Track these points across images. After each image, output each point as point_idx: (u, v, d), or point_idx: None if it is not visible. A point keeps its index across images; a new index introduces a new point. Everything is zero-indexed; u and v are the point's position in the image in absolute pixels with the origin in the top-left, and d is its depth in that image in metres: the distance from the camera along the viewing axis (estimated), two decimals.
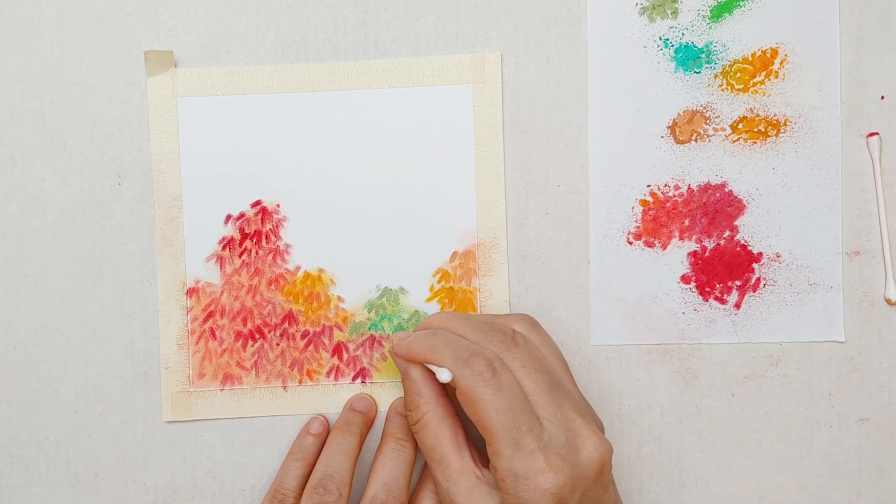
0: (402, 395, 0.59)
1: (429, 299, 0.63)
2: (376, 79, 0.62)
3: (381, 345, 0.63)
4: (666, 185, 0.62)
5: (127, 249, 0.63)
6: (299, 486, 0.60)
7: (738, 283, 0.62)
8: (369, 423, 0.63)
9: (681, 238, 0.62)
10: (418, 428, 0.57)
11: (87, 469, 0.64)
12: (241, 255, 0.63)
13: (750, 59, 0.62)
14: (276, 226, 0.62)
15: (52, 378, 0.63)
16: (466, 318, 0.59)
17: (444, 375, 0.55)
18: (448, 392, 0.58)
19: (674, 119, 0.62)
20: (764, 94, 0.62)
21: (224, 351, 0.63)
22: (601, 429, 0.57)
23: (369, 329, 0.63)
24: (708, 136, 0.62)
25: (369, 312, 0.63)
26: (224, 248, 0.63)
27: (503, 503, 0.54)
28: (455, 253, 0.63)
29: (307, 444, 0.62)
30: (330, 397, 0.63)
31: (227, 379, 0.63)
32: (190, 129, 0.62)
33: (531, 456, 0.53)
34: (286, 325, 0.63)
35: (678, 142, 0.62)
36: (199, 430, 0.63)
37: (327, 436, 0.62)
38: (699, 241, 0.62)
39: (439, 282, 0.63)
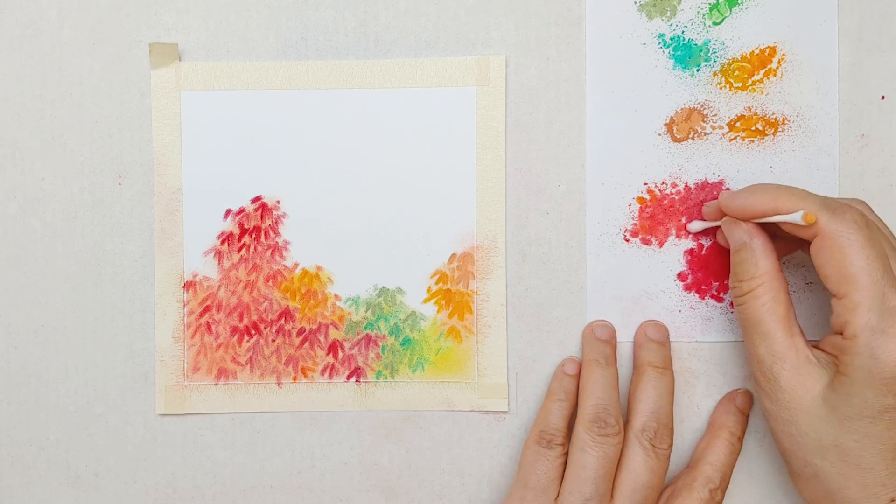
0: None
1: (426, 300, 0.63)
2: (380, 78, 0.62)
3: (376, 344, 0.63)
4: (663, 183, 0.62)
5: (127, 250, 0.63)
6: (565, 424, 0.60)
7: None
8: (616, 351, 0.62)
9: (677, 236, 0.62)
10: (747, 299, 0.55)
11: (87, 469, 0.64)
12: (239, 251, 0.63)
13: (748, 57, 0.62)
14: (276, 222, 0.63)
15: (52, 378, 0.63)
16: (799, 190, 0.55)
17: (797, 216, 0.52)
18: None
19: (671, 117, 0.62)
20: (762, 92, 0.62)
21: (219, 345, 0.63)
22: None
23: (365, 328, 0.63)
24: (706, 134, 0.62)
25: (366, 312, 0.63)
26: (223, 242, 0.63)
27: (847, 369, 0.52)
28: (454, 255, 0.63)
29: (566, 384, 0.61)
30: (324, 395, 0.63)
31: (222, 374, 0.63)
32: (192, 123, 0.62)
33: (894, 311, 0.51)
34: (282, 321, 0.63)
35: (675, 140, 0.62)
36: (199, 430, 0.63)
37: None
38: (696, 238, 0.62)
39: (437, 283, 0.63)
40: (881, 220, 0.56)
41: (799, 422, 0.54)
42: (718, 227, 0.60)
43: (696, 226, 0.62)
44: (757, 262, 0.55)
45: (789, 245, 0.59)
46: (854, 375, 0.51)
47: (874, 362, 0.50)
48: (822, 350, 0.54)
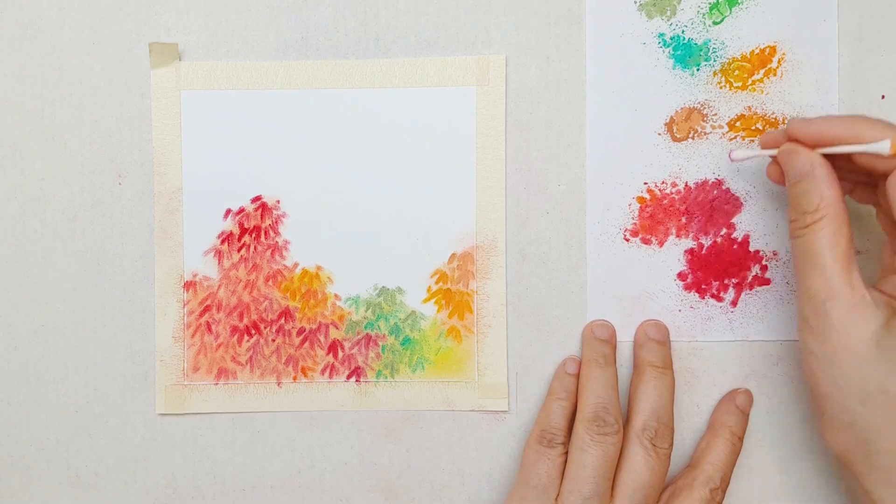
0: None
1: (426, 300, 0.63)
2: (380, 78, 0.62)
3: (376, 344, 0.63)
4: (663, 183, 0.62)
5: (127, 250, 0.63)
6: (566, 423, 0.60)
7: (734, 280, 0.62)
8: (616, 350, 0.62)
9: (677, 236, 0.62)
10: (808, 231, 0.53)
11: (87, 469, 0.64)
12: (239, 250, 0.63)
13: (748, 57, 0.62)
14: (276, 222, 0.63)
15: (52, 378, 0.63)
16: (880, 120, 0.52)
17: (884, 146, 0.50)
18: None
19: (671, 116, 0.62)
20: (762, 92, 0.62)
21: (219, 345, 0.63)
22: None
23: (365, 328, 0.63)
24: (706, 133, 0.62)
25: (366, 311, 0.63)
26: (223, 242, 0.63)
27: None
28: (454, 255, 0.63)
29: (567, 383, 0.61)
30: (324, 395, 0.63)
31: (222, 373, 0.63)
32: (192, 123, 0.63)
33: None
34: (282, 321, 0.63)
35: (675, 139, 0.62)
36: (198, 430, 0.63)
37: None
38: (696, 238, 0.62)
39: (437, 283, 0.63)
40: None
41: (845, 363, 0.51)
42: (770, 163, 0.57)
43: (741, 153, 0.58)
44: (822, 193, 0.52)
45: (844, 187, 0.55)
46: None
47: None
48: (880, 291, 0.53)
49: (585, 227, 0.62)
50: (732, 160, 0.59)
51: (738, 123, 0.62)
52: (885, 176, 0.52)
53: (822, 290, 0.52)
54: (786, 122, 0.61)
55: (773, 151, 0.56)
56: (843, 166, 0.54)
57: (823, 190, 0.53)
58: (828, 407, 0.53)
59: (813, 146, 0.54)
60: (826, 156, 0.53)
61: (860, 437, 0.52)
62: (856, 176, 0.55)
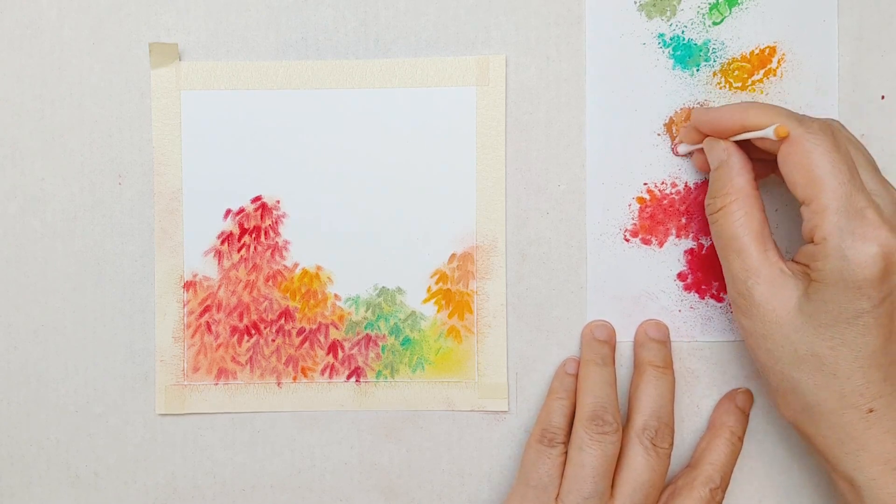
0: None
1: (426, 300, 0.63)
2: (380, 78, 0.62)
3: (376, 344, 0.63)
4: (663, 183, 0.62)
5: (127, 249, 0.63)
6: (567, 423, 0.61)
7: None
8: (615, 351, 0.62)
9: (677, 236, 0.62)
10: (721, 216, 0.56)
11: (87, 469, 0.64)
12: (239, 251, 0.63)
13: (748, 57, 0.62)
14: (276, 222, 0.63)
15: (52, 378, 0.63)
16: (768, 106, 0.56)
17: (769, 131, 0.53)
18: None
19: (671, 117, 0.62)
20: (762, 92, 0.62)
21: (219, 345, 0.63)
22: None
23: (365, 328, 0.63)
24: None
25: (366, 311, 0.63)
26: (223, 242, 0.63)
27: (819, 275, 0.52)
28: (453, 255, 0.63)
29: (567, 383, 0.62)
30: (324, 395, 0.63)
31: (222, 373, 0.63)
32: (192, 123, 0.62)
33: (863, 212, 0.51)
34: (282, 321, 0.63)
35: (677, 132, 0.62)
36: (198, 430, 0.63)
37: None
38: (696, 238, 0.62)
39: (437, 283, 0.63)
40: (853, 136, 0.56)
41: (775, 335, 0.54)
42: (701, 154, 0.60)
43: (684, 148, 0.61)
44: (732, 179, 0.55)
45: (764, 168, 0.58)
46: (827, 280, 0.51)
47: (845, 264, 0.51)
48: (796, 262, 0.54)
49: (585, 227, 0.62)
50: (678, 155, 0.62)
51: None
52: None
53: (742, 271, 0.55)
54: None
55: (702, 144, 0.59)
56: (757, 149, 0.56)
57: (734, 176, 0.56)
58: (771, 378, 0.56)
59: (711, 134, 0.58)
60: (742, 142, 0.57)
61: (804, 402, 0.54)
62: (766, 155, 0.57)
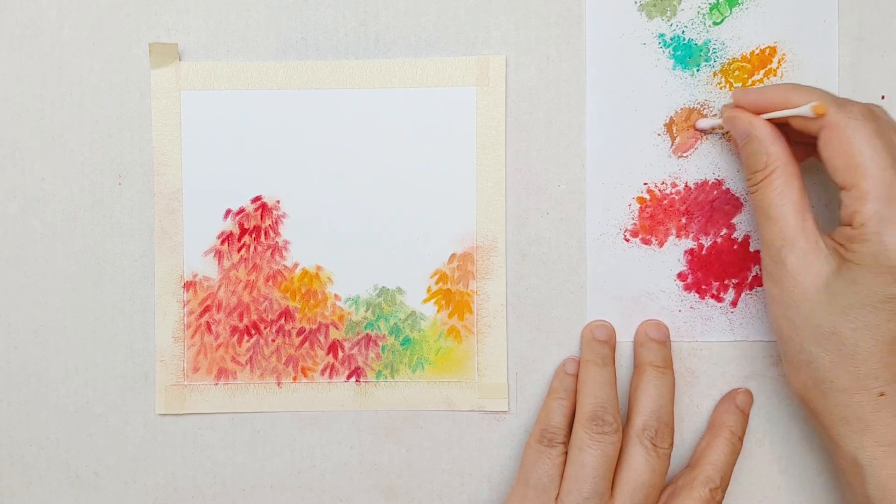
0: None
1: (426, 300, 0.63)
2: (380, 78, 0.62)
3: (376, 344, 0.63)
4: (663, 183, 0.62)
5: (127, 249, 0.63)
6: (567, 423, 0.61)
7: (734, 281, 0.62)
8: (615, 351, 0.62)
9: (677, 236, 0.62)
10: (762, 186, 0.55)
11: (87, 469, 0.64)
12: (239, 251, 0.63)
13: (748, 57, 0.62)
14: (276, 222, 0.63)
15: (52, 378, 0.63)
16: (811, 88, 0.56)
17: (806, 109, 0.53)
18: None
19: (671, 117, 0.62)
20: None
21: (219, 345, 0.63)
22: None
23: (365, 328, 0.63)
24: (706, 134, 0.62)
25: (366, 311, 0.63)
26: (223, 242, 0.63)
27: (855, 256, 0.52)
28: (453, 255, 0.63)
29: (567, 383, 0.62)
30: (324, 395, 0.63)
31: (222, 374, 0.63)
32: (192, 123, 0.62)
33: None
34: (282, 321, 0.63)
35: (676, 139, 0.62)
36: (198, 430, 0.63)
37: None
38: (696, 238, 0.62)
39: (437, 283, 0.63)
40: (893, 120, 0.55)
41: (801, 307, 0.54)
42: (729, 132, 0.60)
43: (705, 123, 0.61)
44: (767, 150, 0.55)
45: (800, 152, 0.58)
46: (861, 262, 0.52)
47: (882, 249, 0.51)
48: (832, 239, 0.54)
49: (585, 227, 0.62)
50: (698, 129, 0.62)
51: None
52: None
53: (778, 239, 0.55)
54: None
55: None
56: (798, 133, 0.56)
57: (768, 146, 0.56)
58: (788, 349, 0.56)
59: (755, 113, 0.57)
60: (775, 123, 0.56)
61: (817, 377, 0.54)
62: (806, 138, 0.56)
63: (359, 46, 0.62)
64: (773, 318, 0.57)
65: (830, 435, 0.55)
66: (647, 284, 0.62)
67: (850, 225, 0.53)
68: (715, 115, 0.62)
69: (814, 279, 0.53)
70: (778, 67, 0.62)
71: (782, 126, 0.56)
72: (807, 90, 0.55)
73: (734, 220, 0.62)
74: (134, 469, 0.64)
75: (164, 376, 0.63)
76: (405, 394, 0.63)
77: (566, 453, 0.59)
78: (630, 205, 0.62)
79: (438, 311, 0.63)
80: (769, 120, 0.56)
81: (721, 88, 0.62)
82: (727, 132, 0.61)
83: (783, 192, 0.55)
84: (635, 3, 0.62)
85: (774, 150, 0.55)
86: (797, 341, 0.55)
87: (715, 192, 0.62)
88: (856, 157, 0.52)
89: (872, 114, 0.53)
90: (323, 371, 0.63)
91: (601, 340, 0.61)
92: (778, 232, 0.54)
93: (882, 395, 0.53)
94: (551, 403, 0.61)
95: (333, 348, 0.63)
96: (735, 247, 0.62)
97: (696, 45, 0.62)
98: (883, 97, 0.62)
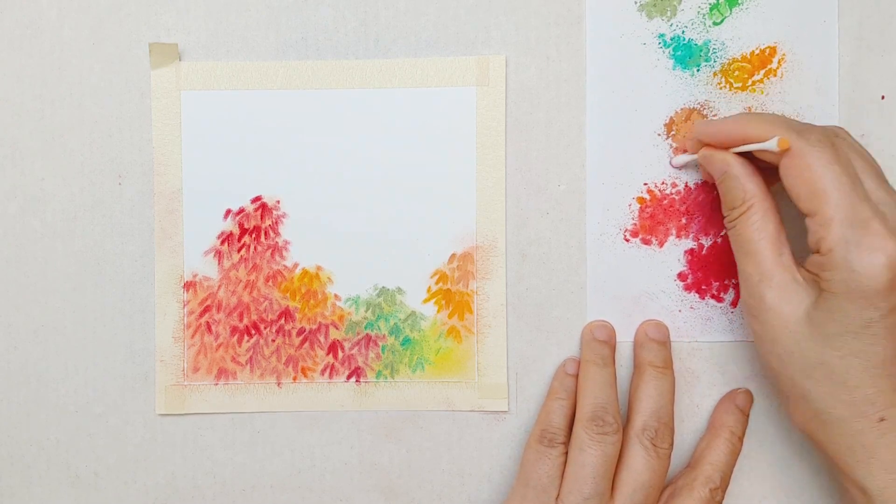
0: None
1: (426, 300, 0.63)
2: (380, 78, 0.62)
3: (376, 344, 0.63)
4: (663, 183, 0.62)
5: (127, 249, 0.63)
6: (567, 423, 0.61)
7: (734, 281, 0.62)
8: (615, 351, 0.62)
9: (678, 236, 0.62)
10: (739, 222, 0.56)
11: (87, 469, 0.64)
12: (239, 251, 0.63)
13: (748, 57, 0.62)
14: (276, 222, 0.63)
15: (52, 378, 0.63)
16: (769, 116, 0.56)
17: (772, 143, 0.52)
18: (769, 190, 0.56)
19: (671, 117, 0.62)
20: (762, 92, 0.62)
21: (219, 345, 0.63)
22: None
23: (365, 328, 0.63)
24: None
25: (366, 311, 0.63)
26: (223, 242, 0.63)
27: (828, 285, 0.52)
28: (454, 255, 0.63)
29: (568, 383, 0.62)
30: (324, 395, 0.63)
31: (222, 374, 0.63)
32: (192, 123, 0.62)
33: (867, 223, 0.51)
34: (282, 321, 0.63)
35: (676, 140, 0.62)
36: (198, 430, 0.63)
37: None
38: (696, 238, 0.62)
39: (437, 283, 0.63)
40: (858, 143, 0.56)
41: (784, 341, 0.54)
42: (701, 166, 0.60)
43: (681, 160, 0.61)
44: (743, 186, 0.55)
45: (771, 177, 0.57)
46: (834, 290, 0.52)
47: (852, 275, 0.51)
48: (807, 270, 0.54)
49: (585, 227, 0.62)
50: (673, 166, 0.62)
51: None
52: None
53: (756, 274, 0.55)
54: None
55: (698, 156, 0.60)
56: (758, 159, 0.56)
57: (745, 183, 0.56)
58: (781, 384, 0.56)
59: (717, 146, 0.57)
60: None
61: (814, 409, 0.54)
62: (773, 165, 0.56)
63: (359, 46, 0.62)
64: (760, 356, 0.57)
65: (837, 465, 0.55)
66: (647, 284, 0.62)
67: (819, 251, 0.52)
68: (716, 115, 0.62)
69: (793, 311, 0.53)
70: (778, 67, 0.62)
71: (748, 153, 0.56)
72: (764, 120, 0.55)
73: None
74: (134, 469, 0.64)
75: (164, 376, 0.63)
76: (405, 394, 0.63)
77: (566, 454, 0.59)
78: (630, 205, 0.62)
79: (438, 311, 0.63)
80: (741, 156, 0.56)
81: (721, 88, 0.62)
82: (681, 168, 0.62)
83: (760, 228, 0.55)
84: (635, 3, 0.62)
85: (750, 187, 0.55)
86: (788, 376, 0.55)
87: (715, 192, 0.62)
88: (816, 183, 0.52)
89: (830, 139, 0.53)
90: (323, 371, 0.63)
91: (601, 340, 0.61)
92: (755, 267, 0.55)
93: (882, 420, 0.52)
94: (551, 404, 0.61)
95: (333, 348, 0.63)
96: None
97: (696, 45, 0.62)
98: (883, 97, 0.62)
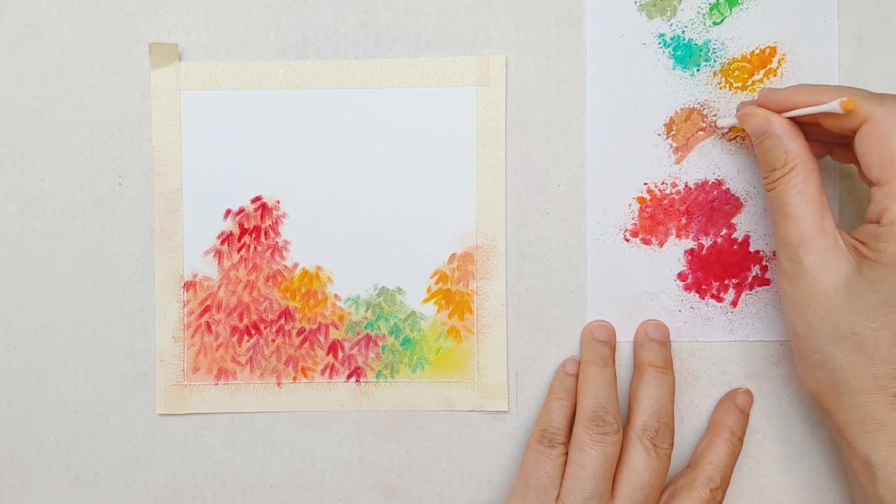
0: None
1: (426, 300, 0.63)
2: (380, 78, 0.62)
3: (376, 344, 0.63)
4: (663, 183, 0.62)
5: (127, 249, 0.63)
6: (567, 423, 0.61)
7: (734, 281, 0.62)
8: (615, 351, 0.62)
9: (678, 236, 0.62)
10: (780, 184, 0.55)
11: (87, 469, 0.64)
12: (239, 251, 0.63)
13: (748, 57, 0.62)
14: (276, 222, 0.63)
15: (52, 378, 0.63)
16: (843, 87, 0.55)
17: (835, 104, 0.52)
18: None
19: (671, 117, 0.62)
20: None
21: (219, 345, 0.63)
22: None
23: (365, 328, 0.63)
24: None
25: (366, 311, 0.63)
26: (223, 242, 0.63)
27: (878, 256, 0.52)
28: (454, 255, 0.63)
29: (568, 383, 0.62)
30: (324, 395, 0.63)
31: (222, 374, 0.63)
32: (192, 123, 0.62)
33: None
34: (282, 321, 0.63)
35: (675, 140, 0.62)
36: (198, 430, 0.63)
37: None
38: (696, 238, 0.62)
39: (437, 283, 0.63)
40: None
41: (817, 307, 0.53)
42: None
43: (726, 121, 0.61)
44: (785, 147, 0.55)
45: (821, 149, 0.58)
46: (886, 262, 0.51)
47: None
48: (853, 237, 0.54)
49: (585, 227, 0.62)
50: (718, 128, 0.61)
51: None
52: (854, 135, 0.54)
53: (795, 237, 0.54)
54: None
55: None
56: (818, 131, 0.56)
57: (787, 143, 0.55)
58: (803, 348, 0.55)
59: (780, 112, 0.56)
60: (801, 124, 0.55)
61: (833, 377, 0.54)
62: (833, 138, 0.56)
63: (359, 46, 0.62)
64: (787, 318, 0.56)
65: (844, 435, 0.55)
66: (647, 284, 0.62)
67: (878, 222, 0.52)
68: (715, 115, 0.62)
69: (833, 278, 0.53)
70: (778, 67, 0.62)
71: (800, 125, 0.55)
72: (838, 89, 0.54)
73: (734, 220, 0.62)
74: (134, 469, 0.64)
75: (164, 376, 0.63)
76: (405, 394, 0.63)
77: (566, 454, 0.59)
78: (630, 205, 0.62)
79: (438, 311, 0.63)
80: (802, 122, 0.56)
81: (721, 88, 0.62)
82: (725, 133, 0.61)
83: (802, 190, 0.54)
84: (635, 3, 0.62)
85: (793, 147, 0.55)
86: (813, 341, 0.54)
87: (715, 192, 0.62)
88: (893, 152, 0.51)
89: None
90: (323, 371, 0.63)
91: (601, 340, 0.61)
92: (796, 230, 0.54)
93: None
94: (552, 404, 0.61)
95: (333, 348, 0.63)
96: (735, 247, 0.62)
97: (696, 45, 0.62)
98: None
